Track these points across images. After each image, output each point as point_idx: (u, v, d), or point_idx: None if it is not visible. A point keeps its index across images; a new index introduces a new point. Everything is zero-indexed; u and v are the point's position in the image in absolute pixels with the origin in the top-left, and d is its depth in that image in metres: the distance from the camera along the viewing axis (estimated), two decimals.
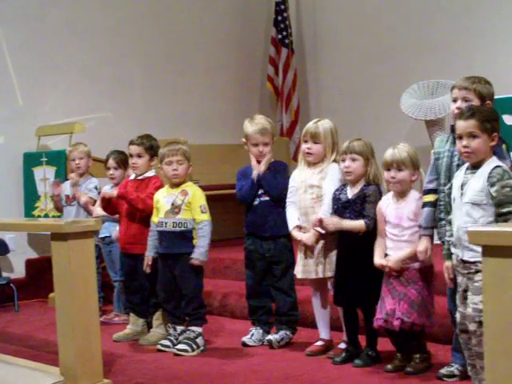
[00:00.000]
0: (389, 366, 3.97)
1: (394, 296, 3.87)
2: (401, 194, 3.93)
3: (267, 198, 4.63)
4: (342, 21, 8.07)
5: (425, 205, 3.78)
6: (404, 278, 3.87)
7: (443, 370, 3.76)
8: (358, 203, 4.09)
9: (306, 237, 4.31)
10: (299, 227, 4.39)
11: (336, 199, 4.19)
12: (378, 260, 3.93)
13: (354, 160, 4.10)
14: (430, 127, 6.26)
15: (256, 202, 4.65)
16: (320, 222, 4.17)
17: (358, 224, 4.05)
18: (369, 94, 7.69)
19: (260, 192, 4.64)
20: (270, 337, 4.61)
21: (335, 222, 4.11)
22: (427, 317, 3.86)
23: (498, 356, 2.39)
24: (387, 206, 3.96)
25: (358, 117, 7.50)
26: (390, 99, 6.81)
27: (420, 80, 6.54)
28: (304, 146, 4.39)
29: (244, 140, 4.70)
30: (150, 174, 4.97)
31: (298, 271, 4.43)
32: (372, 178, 4.13)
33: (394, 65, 7.46)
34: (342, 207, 4.14)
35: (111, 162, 5.50)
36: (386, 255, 3.93)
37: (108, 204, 5.02)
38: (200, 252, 4.56)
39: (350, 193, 4.14)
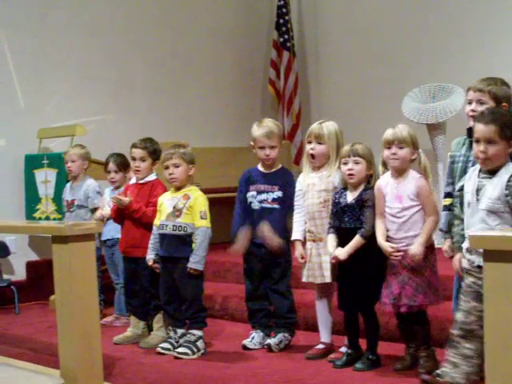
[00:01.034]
0: (398, 366, 4.01)
1: (399, 280, 3.90)
2: (400, 172, 3.94)
3: (269, 205, 4.62)
4: (344, 24, 8.08)
5: (444, 208, 3.78)
6: (407, 262, 3.88)
7: (439, 371, 3.77)
8: (356, 208, 4.09)
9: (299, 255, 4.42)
10: (302, 240, 4.43)
11: (335, 203, 4.19)
12: (383, 243, 3.92)
13: (357, 163, 4.10)
14: (432, 131, 6.26)
15: (256, 207, 4.65)
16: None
17: (357, 242, 4.04)
18: (370, 98, 7.69)
19: (263, 198, 4.64)
20: (268, 341, 4.61)
21: (341, 256, 4.08)
22: (434, 295, 3.89)
23: (499, 360, 2.38)
24: (386, 185, 3.97)
25: (360, 120, 7.50)
26: (391, 103, 6.82)
27: (422, 83, 6.55)
28: (308, 147, 4.40)
29: (252, 143, 4.70)
30: (151, 177, 4.96)
31: (303, 275, 4.44)
32: (373, 181, 4.14)
33: (396, 68, 7.46)
34: (341, 211, 4.14)
35: (111, 166, 5.51)
36: (387, 238, 3.94)
37: (119, 215, 4.97)
38: (195, 261, 4.54)
39: (350, 197, 4.14)
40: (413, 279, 3.87)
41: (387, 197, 3.95)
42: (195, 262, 4.54)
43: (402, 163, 3.93)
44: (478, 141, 3.31)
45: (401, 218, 3.90)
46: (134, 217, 4.85)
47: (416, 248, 3.83)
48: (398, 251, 3.89)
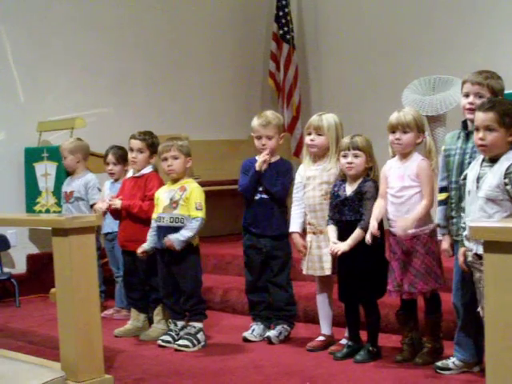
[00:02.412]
0: (398, 357, 4.02)
1: (402, 266, 3.92)
2: (404, 156, 3.97)
3: (266, 196, 4.62)
4: (344, 16, 8.07)
5: (440, 203, 3.78)
6: (405, 247, 3.90)
7: (439, 363, 3.80)
8: (355, 200, 4.09)
9: (300, 246, 4.43)
10: (300, 232, 4.45)
11: (335, 195, 4.19)
12: (373, 222, 3.94)
13: (356, 156, 4.10)
14: (432, 123, 6.24)
15: (256, 197, 4.65)
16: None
17: (358, 235, 4.05)
18: (370, 90, 7.68)
19: (261, 189, 4.63)
20: (268, 333, 4.61)
21: (342, 248, 4.08)
22: (435, 281, 3.90)
23: (499, 351, 2.38)
24: (390, 167, 4.00)
25: (360, 112, 7.49)
26: (391, 95, 6.79)
27: (421, 75, 6.53)
28: (307, 138, 4.40)
29: (252, 134, 4.71)
30: (147, 170, 4.96)
31: (303, 267, 4.45)
32: (372, 174, 4.14)
33: (396, 60, 7.45)
34: (340, 204, 4.14)
35: (110, 158, 5.51)
36: (388, 221, 3.98)
37: (117, 212, 4.99)
38: (177, 238, 4.52)
39: (349, 189, 4.14)
40: (412, 265, 3.89)
41: (389, 178, 3.98)
42: (179, 240, 4.52)
43: (406, 148, 3.95)
44: (477, 129, 3.33)
45: (400, 197, 3.92)
46: (131, 213, 4.86)
47: (403, 220, 3.84)
48: (395, 235, 3.92)
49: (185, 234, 4.54)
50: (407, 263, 3.91)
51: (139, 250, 4.72)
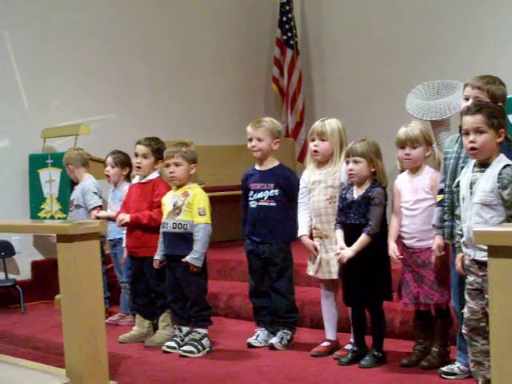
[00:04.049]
0: (404, 361, 4.02)
1: (417, 279, 3.94)
2: (415, 170, 3.99)
3: (265, 204, 4.61)
4: (347, 21, 8.07)
5: (438, 204, 3.79)
6: (420, 260, 3.92)
7: (444, 368, 3.79)
8: (362, 204, 4.09)
9: (311, 247, 4.40)
10: (309, 235, 4.43)
11: (342, 198, 4.20)
12: (391, 243, 3.98)
13: (356, 162, 4.10)
14: (436, 128, 6.24)
15: (253, 206, 4.65)
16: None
17: (364, 240, 4.05)
18: (374, 95, 7.69)
19: (259, 196, 4.63)
20: (271, 341, 4.60)
21: (348, 255, 4.08)
22: (449, 291, 3.90)
23: (504, 356, 2.38)
24: (401, 181, 4.02)
25: (364, 118, 7.50)
26: (395, 100, 6.81)
27: (425, 80, 6.53)
28: (311, 145, 4.40)
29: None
30: (153, 176, 4.96)
31: (309, 269, 4.46)
32: (378, 178, 4.13)
33: (399, 65, 7.46)
34: (347, 207, 4.14)
35: (109, 160, 5.54)
36: (401, 234, 4.00)
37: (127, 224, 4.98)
38: (195, 257, 4.53)
39: (356, 193, 4.15)
40: (428, 277, 3.90)
41: (402, 192, 4.00)
42: (194, 258, 4.53)
43: (416, 162, 3.97)
44: (467, 133, 3.35)
45: (414, 210, 3.94)
46: (141, 224, 4.86)
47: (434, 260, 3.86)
48: (409, 248, 3.94)
49: (198, 249, 4.54)
50: (422, 275, 3.92)
51: (154, 264, 4.73)
